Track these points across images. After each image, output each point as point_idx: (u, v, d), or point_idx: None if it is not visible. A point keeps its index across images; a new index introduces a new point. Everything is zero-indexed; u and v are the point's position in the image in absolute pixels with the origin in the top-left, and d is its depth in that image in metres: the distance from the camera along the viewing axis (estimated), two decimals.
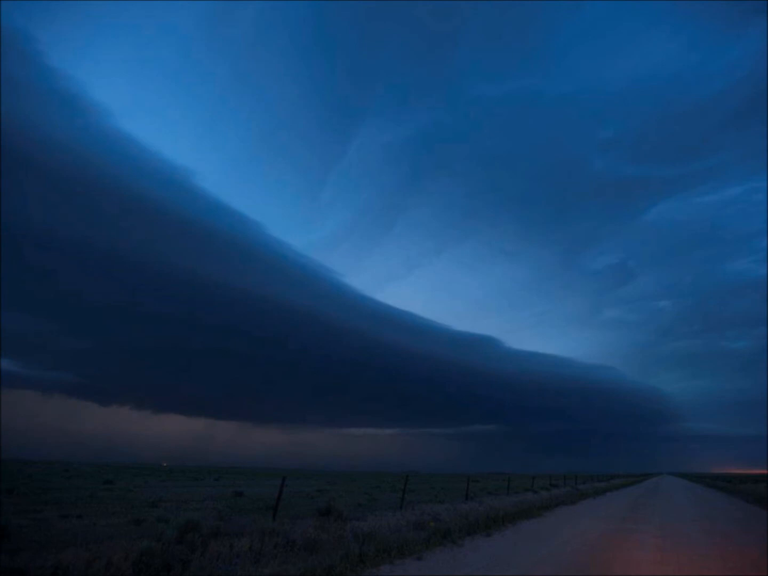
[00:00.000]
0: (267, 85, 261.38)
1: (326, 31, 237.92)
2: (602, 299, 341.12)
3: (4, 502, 14.03)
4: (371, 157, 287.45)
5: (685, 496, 25.67)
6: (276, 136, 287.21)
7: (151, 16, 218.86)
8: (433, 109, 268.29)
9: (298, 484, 34.01)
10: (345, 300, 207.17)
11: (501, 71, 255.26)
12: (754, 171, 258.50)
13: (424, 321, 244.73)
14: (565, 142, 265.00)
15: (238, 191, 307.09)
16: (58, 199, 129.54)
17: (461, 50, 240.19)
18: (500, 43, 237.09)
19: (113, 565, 5.21)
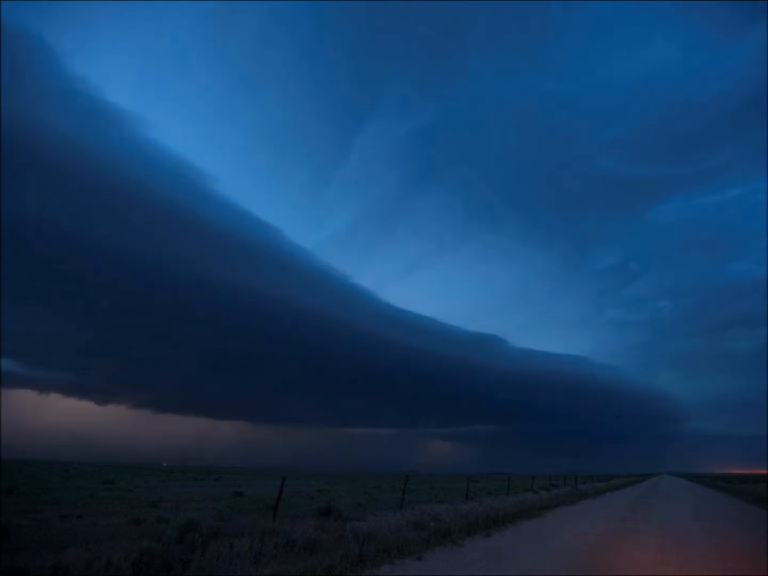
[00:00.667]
0: (270, 88, 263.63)
1: (329, 34, 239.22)
2: (604, 299, 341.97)
3: (4, 502, 14.03)
4: (374, 158, 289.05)
5: (684, 496, 25.67)
6: (278, 138, 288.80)
7: (156, 21, 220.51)
8: (439, 106, 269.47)
9: (298, 484, 34.00)
10: (349, 298, 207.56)
11: (505, 71, 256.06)
12: (754, 172, 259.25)
13: (425, 319, 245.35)
14: (569, 141, 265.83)
15: (240, 192, 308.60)
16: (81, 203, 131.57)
17: (465, 51, 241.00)
18: (504, 43, 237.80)
19: (113, 565, 5.20)
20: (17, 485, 21.03)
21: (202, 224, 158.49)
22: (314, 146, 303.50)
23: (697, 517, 13.51)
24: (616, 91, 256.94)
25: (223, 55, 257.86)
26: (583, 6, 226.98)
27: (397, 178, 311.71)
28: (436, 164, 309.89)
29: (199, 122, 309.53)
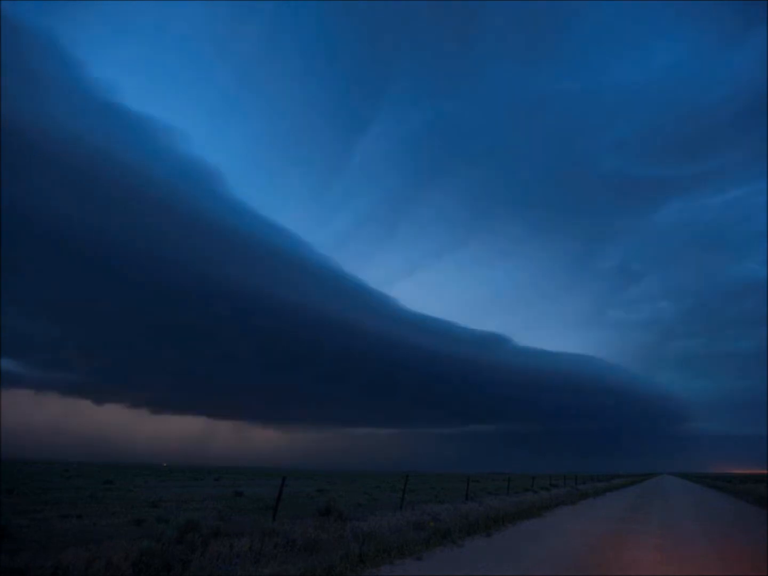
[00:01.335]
0: (274, 90, 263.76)
1: (332, 34, 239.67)
2: (607, 299, 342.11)
3: (4, 502, 14.02)
4: (377, 159, 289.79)
5: (684, 496, 25.67)
6: (280, 140, 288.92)
7: (161, 23, 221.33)
8: (443, 105, 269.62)
9: (298, 484, 33.99)
10: (349, 296, 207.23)
11: (508, 71, 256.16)
12: (756, 174, 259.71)
13: (426, 317, 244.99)
14: (574, 142, 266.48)
15: (243, 193, 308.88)
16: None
17: (468, 52, 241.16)
18: (506, 44, 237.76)
19: (113, 565, 5.20)
20: (17, 485, 21.03)
21: (219, 228, 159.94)
22: (317, 148, 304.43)
23: (697, 518, 13.51)
24: (620, 92, 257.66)
25: (228, 55, 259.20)
26: (588, 7, 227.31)
27: (399, 178, 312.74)
28: (439, 164, 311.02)
29: (200, 122, 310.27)
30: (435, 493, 23.25)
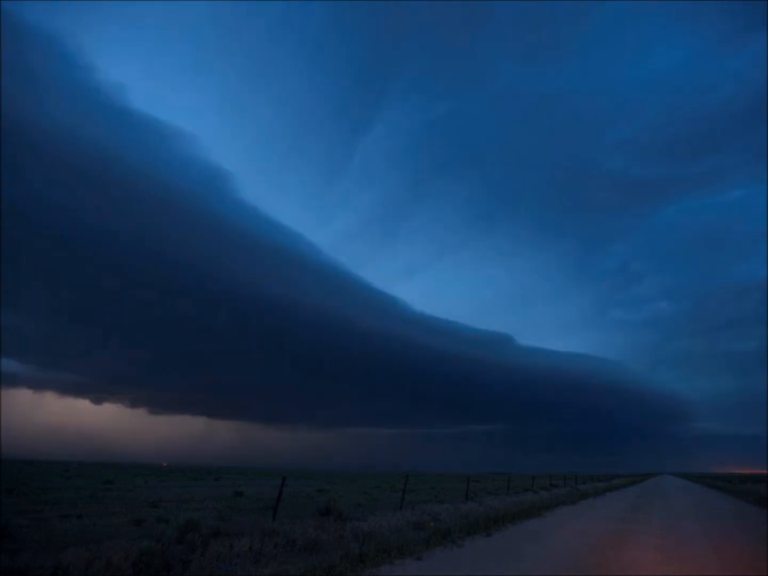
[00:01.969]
0: (275, 90, 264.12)
1: (336, 35, 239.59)
2: (608, 299, 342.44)
3: (4, 502, 14.02)
4: (378, 160, 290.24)
5: (684, 496, 25.67)
6: (281, 140, 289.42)
7: (165, 23, 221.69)
8: (447, 105, 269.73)
9: (298, 484, 33.98)
10: (349, 294, 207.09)
11: (509, 73, 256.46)
12: (756, 175, 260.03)
13: (427, 316, 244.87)
14: (575, 142, 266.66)
15: (245, 192, 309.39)
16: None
17: (470, 53, 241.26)
18: (509, 45, 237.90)
19: (113, 565, 5.20)
20: (17, 485, 21.03)
21: (220, 227, 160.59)
22: (318, 148, 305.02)
23: (697, 518, 13.51)
24: (622, 93, 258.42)
25: (230, 55, 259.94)
26: (590, 8, 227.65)
27: (401, 179, 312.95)
28: (442, 165, 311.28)
29: (201, 122, 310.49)
30: (435, 493, 23.25)
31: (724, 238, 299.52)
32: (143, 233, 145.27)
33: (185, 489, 24.80)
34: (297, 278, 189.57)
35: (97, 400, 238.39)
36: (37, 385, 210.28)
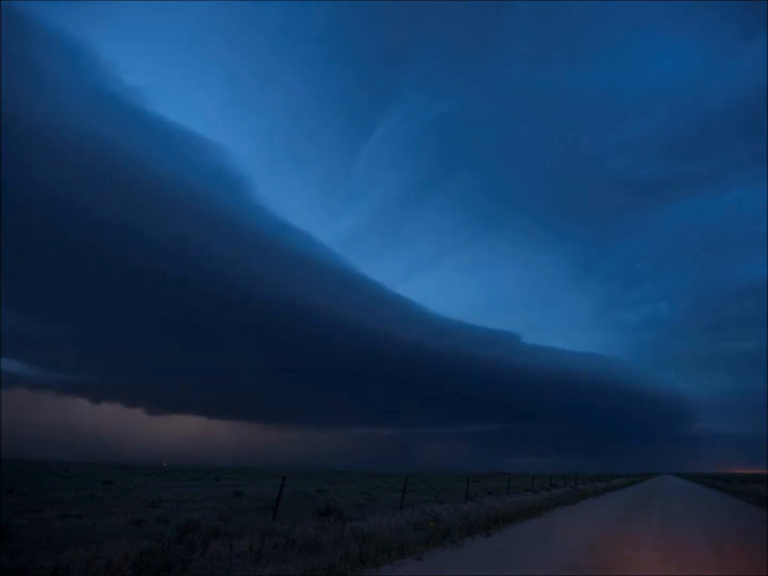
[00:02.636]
0: (280, 92, 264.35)
1: (339, 40, 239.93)
2: (610, 300, 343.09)
3: (4, 502, 14.02)
4: (382, 161, 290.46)
5: (684, 496, 25.67)
6: (285, 142, 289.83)
7: (170, 22, 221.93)
8: (452, 104, 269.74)
9: (298, 484, 33.98)
10: (353, 293, 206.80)
11: (510, 74, 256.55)
12: (757, 176, 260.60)
13: (427, 315, 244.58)
14: (579, 144, 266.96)
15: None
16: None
17: (472, 54, 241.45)
18: (510, 46, 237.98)
19: (113, 565, 5.20)
20: (17, 485, 21.03)
21: (220, 224, 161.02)
22: (322, 151, 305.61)
23: (697, 518, 13.50)
24: (626, 94, 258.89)
25: (235, 57, 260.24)
26: (595, 11, 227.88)
27: (404, 180, 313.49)
28: (445, 166, 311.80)
29: (202, 122, 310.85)
30: (435, 493, 23.24)
31: (724, 238, 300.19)
32: (137, 230, 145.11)
33: (185, 489, 24.81)
34: (297, 278, 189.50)
35: (95, 400, 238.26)
36: (35, 384, 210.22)
